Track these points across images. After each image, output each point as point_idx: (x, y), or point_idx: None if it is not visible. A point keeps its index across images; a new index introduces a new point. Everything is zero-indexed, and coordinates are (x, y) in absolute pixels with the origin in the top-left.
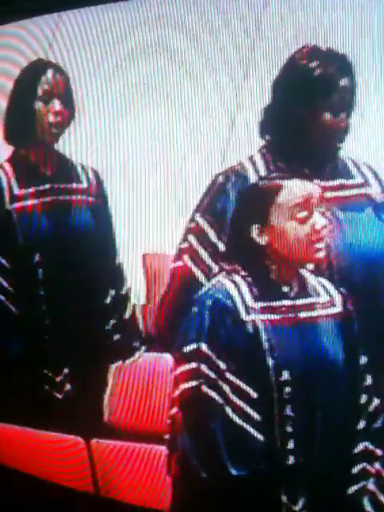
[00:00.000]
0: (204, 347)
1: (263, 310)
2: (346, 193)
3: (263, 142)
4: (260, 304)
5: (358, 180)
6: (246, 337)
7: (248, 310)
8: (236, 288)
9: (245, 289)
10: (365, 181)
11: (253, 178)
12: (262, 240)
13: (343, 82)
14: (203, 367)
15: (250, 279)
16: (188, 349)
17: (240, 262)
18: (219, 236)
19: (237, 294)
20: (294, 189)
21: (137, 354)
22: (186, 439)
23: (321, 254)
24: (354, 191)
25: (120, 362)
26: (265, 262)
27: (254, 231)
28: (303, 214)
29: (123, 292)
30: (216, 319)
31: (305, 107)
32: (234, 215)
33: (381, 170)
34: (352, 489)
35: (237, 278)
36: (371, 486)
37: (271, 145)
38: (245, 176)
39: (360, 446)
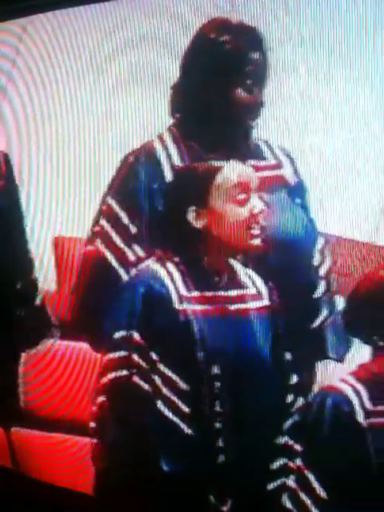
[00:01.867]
0: (136, 335)
1: (195, 300)
2: (262, 174)
3: (172, 120)
4: (192, 293)
5: (272, 161)
6: (179, 327)
7: (181, 298)
8: (169, 275)
9: (177, 276)
10: (278, 162)
11: (163, 158)
12: (199, 223)
13: (255, 55)
14: (135, 356)
15: (182, 267)
16: (119, 335)
17: (172, 247)
18: (131, 219)
19: (169, 282)
20: (233, 170)
21: (49, 342)
22: (115, 430)
23: (256, 241)
24: (269, 173)
25: (32, 350)
26: (198, 249)
27: (191, 214)
28: (242, 196)
29: (33, 277)
30: (149, 307)
31: (216, 83)
32: (166, 198)
33: (294, 151)
34: (272, 485)
35: (169, 265)
36: (291, 482)
37: (181, 123)
38: (155, 155)
39: (281, 441)
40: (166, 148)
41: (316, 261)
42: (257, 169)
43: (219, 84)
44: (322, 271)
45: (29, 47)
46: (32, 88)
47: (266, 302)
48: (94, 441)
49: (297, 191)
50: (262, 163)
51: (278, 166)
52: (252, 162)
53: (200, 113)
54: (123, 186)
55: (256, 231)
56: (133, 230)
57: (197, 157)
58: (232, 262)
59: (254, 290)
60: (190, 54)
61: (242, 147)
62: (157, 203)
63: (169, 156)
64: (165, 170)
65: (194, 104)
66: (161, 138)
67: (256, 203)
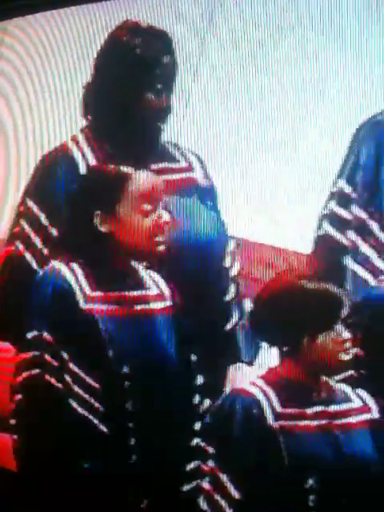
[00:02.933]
0: (46, 335)
1: (100, 299)
2: (172, 177)
3: (85, 122)
4: (97, 293)
5: (183, 164)
6: (86, 326)
7: (86, 298)
8: (73, 275)
9: (82, 276)
10: (189, 165)
11: (78, 159)
12: (104, 228)
13: (165, 59)
14: (46, 355)
15: (87, 267)
16: (31, 335)
17: (77, 248)
18: (51, 220)
19: (75, 282)
20: (141, 179)
21: None
22: (33, 428)
23: (161, 248)
24: (180, 175)
25: None
26: (102, 250)
27: (96, 218)
28: (148, 206)
29: None
30: (57, 307)
31: (126, 85)
32: (73, 199)
33: (204, 154)
34: (187, 487)
35: (74, 265)
36: (206, 484)
37: (93, 124)
38: (71, 157)
39: (193, 443)
40: (80, 148)
41: (227, 263)
42: (167, 171)
43: (129, 86)
44: (232, 274)
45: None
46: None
47: (168, 302)
48: (14, 437)
49: (208, 193)
50: (173, 165)
51: (189, 168)
52: (162, 164)
53: (110, 114)
54: (41, 187)
55: (160, 239)
56: (52, 231)
57: (108, 158)
58: (136, 264)
59: (156, 291)
60: (102, 55)
61: (152, 149)
62: None
63: (83, 155)
64: (81, 170)
65: (105, 105)
66: (74, 139)
67: (161, 213)
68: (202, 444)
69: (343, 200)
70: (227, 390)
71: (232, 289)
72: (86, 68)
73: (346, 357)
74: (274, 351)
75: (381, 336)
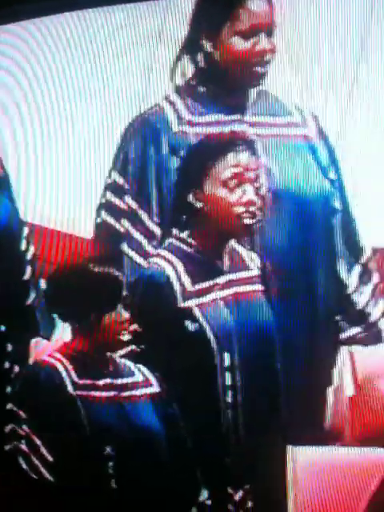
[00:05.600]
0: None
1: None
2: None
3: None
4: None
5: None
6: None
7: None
8: None
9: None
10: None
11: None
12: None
13: None
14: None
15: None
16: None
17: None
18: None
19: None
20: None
21: None
22: None
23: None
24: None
25: None
26: None
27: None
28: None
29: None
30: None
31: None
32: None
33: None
34: (8, 447)
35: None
36: (23, 446)
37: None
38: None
39: (8, 407)
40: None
41: (22, 246)
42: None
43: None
44: (28, 256)
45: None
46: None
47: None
48: None
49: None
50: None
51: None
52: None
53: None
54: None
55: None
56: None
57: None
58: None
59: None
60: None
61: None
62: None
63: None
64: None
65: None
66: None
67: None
68: (15, 409)
69: (117, 190)
70: (31, 360)
71: (28, 270)
72: None
73: (125, 334)
74: (67, 327)
75: (151, 313)
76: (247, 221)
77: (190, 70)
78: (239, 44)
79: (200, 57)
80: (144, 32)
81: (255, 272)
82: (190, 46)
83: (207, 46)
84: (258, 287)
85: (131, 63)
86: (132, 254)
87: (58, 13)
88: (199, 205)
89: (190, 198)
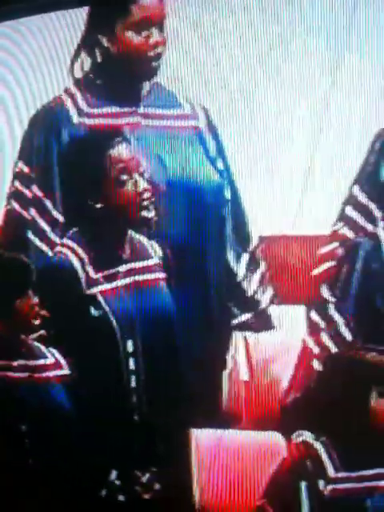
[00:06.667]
0: None
1: None
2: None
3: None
4: None
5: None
6: None
7: None
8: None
9: None
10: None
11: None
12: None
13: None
14: None
15: None
16: None
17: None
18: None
19: None
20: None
21: None
22: None
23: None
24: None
25: None
26: None
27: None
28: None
29: None
30: None
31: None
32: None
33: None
34: None
35: None
36: None
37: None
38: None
39: None
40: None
41: None
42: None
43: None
44: None
45: None
46: None
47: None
48: None
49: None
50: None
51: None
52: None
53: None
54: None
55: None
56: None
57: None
58: None
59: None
60: None
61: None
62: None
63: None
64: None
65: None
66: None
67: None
68: None
69: (24, 179)
70: None
71: None
72: None
73: (36, 318)
74: None
75: (58, 300)
76: (144, 212)
77: (88, 64)
78: (132, 37)
79: (97, 51)
80: None
81: (156, 260)
82: (88, 41)
83: (103, 40)
84: (159, 275)
85: None
86: (37, 241)
87: None
88: (98, 205)
89: (88, 194)
